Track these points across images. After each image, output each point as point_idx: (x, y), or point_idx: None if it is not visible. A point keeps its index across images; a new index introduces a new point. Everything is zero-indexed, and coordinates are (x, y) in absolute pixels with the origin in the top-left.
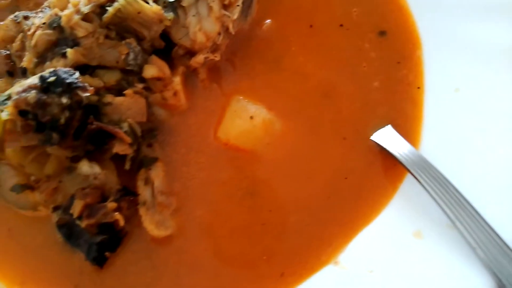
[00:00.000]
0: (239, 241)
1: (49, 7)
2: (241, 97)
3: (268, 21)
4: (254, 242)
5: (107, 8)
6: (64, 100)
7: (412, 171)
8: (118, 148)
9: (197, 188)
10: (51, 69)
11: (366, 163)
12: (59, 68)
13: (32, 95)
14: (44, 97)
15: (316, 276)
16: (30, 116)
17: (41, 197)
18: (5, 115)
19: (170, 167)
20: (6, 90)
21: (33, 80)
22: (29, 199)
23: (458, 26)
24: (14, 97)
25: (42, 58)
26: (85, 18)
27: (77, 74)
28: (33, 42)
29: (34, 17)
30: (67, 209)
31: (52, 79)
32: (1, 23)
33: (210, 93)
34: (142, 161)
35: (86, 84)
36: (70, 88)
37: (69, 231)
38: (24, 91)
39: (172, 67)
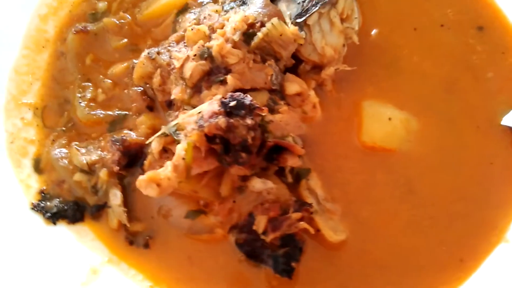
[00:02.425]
0: (413, 236)
1: (175, 42)
2: (371, 102)
3: (374, 30)
4: (428, 235)
5: (257, 33)
6: (249, 121)
7: None
8: (291, 161)
9: (356, 192)
10: (222, 96)
11: (504, 146)
12: (231, 93)
13: (221, 120)
14: (232, 120)
15: (492, 256)
16: (217, 140)
17: (217, 219)
18: (190, 143)
19: (324, 175)
20: (151, 124)
21: (211, 107)
22: (205, 223)
23: None
24: (203, 123)
25: (196, 88)
26: (234, 45)
27: (249, 97)
28: (187, 73)
29: (167, 51)
30: (245, 226)
31: (233, 103)
32: (136, 61)
33: (339, 102)
34: (298, 173)
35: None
36: (250, 110)
37: (250, 247)
38: (210, 117)
39: None
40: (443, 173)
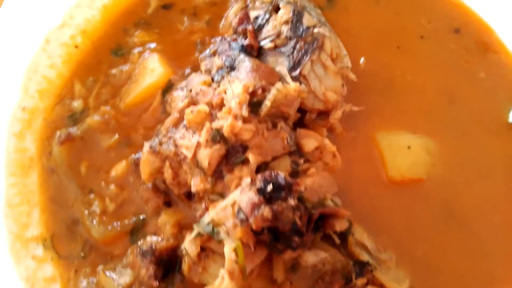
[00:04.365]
0: (469, 259)
1: (173, 126)
2: (383, 133)
3: (362, 58)
4: (481, 253)
5: (263, 100)
6: (292, 202)
7: None
8: (339, 226)
9: (401, 232)
10: (251, 178)
11: None
12: (262, 175)
13: (266, 211)
14: (275, 207)
15: None
16: (265, 231)
17: None
18: (239, 244)
19: (365, 223)
20: (175, 221)
21: (247, 197)
22: None
23: None
24: (246, 218)
25: (217, 174)
26: (244, 120)
27: (282, 173)
28: (204, 162)
29: (169, 139)
30: None
31: (270, 188)
32: (135, 156)
33: (353, 142)
34: (342, 231)
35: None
36: (289, 188)
37: None
38: (252, 210)
39: None
40: (474, 187)
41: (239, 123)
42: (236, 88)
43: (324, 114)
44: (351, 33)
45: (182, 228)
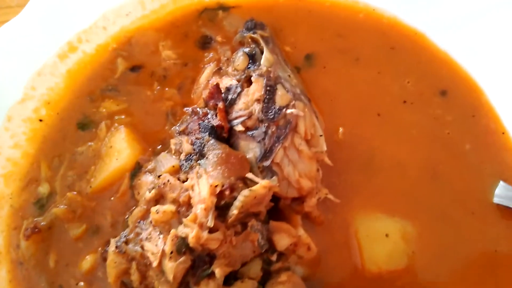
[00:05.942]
0: None
1: (140, 219)
2: (361, 217)
3: (340, 129)
4: None
5: (230, 203)
6: None
7: None
8: None
9: None
10: None
11: (504, 228)
12: None
13: None
14: None
15: None
16: None
17: None
18: None
19: None
20: None
21: None
22: None
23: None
24: None
25: (183, 285)
26: (210, 230)
27: None
28: (169, 276)
29: (136, 236)
30: None
31: None
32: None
33: (330, 226)
34: None
35: None
36: None
37: None
38: None
39: (284, 219)
40: (455, 279)
41: (205, 233)
42: (203, 187)
43: (299, 199)
44: (330, 96)
45: None
